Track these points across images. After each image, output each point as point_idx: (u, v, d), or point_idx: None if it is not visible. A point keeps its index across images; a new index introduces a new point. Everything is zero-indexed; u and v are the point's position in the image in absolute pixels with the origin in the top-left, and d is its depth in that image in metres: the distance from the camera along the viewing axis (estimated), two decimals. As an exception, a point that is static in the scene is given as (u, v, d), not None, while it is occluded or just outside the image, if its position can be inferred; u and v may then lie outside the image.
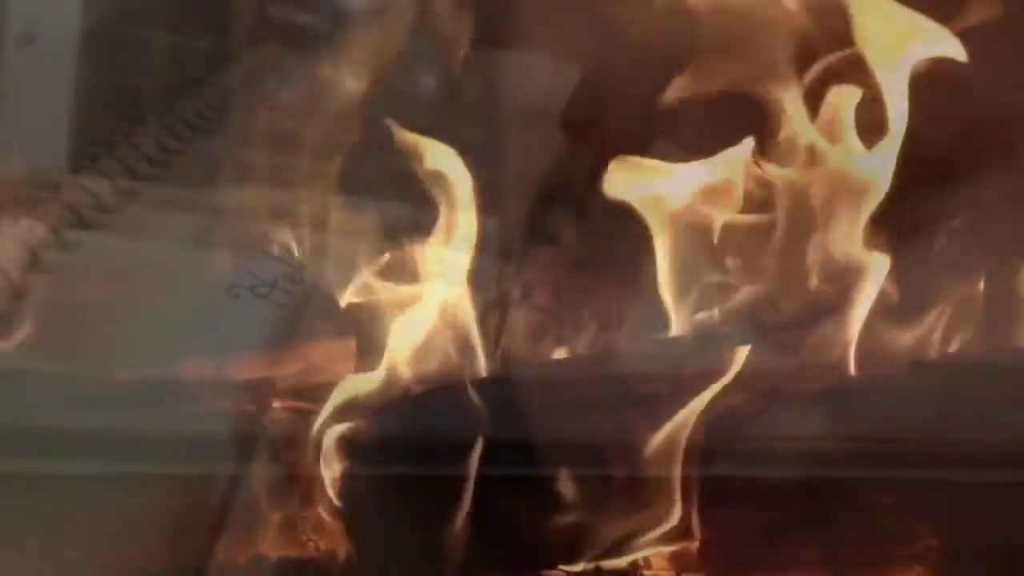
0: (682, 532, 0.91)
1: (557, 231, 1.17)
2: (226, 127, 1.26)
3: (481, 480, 0.91)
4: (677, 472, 0.90)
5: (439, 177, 1.05)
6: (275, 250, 1.09)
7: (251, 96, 1.31)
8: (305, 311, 1.08)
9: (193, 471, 0.99)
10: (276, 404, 1.01)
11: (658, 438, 0.90)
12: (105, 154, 1.18)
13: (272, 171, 1.24)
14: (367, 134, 1.19)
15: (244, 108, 1.28)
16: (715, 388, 0.90)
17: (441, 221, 1.05)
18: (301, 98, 1.24)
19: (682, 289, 1.01)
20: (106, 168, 1.17)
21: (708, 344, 0.95)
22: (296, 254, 1.10)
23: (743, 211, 1.02)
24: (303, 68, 1.31)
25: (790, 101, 1.02)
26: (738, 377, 0.91)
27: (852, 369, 0.96)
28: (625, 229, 1.05)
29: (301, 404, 1.00)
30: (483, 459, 0.91)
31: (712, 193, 1.02)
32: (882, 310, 0.98)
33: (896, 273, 1.00)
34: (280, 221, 1.13)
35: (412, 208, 1.14)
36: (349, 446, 0.94)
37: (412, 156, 1.06)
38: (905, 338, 1.02)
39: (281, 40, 1.37)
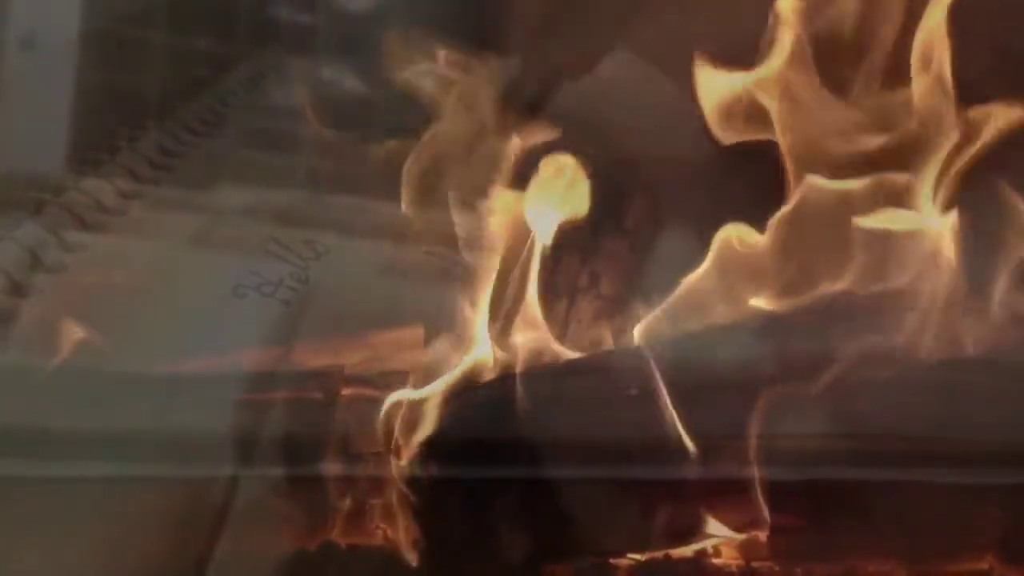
0: (751, 521, 0.91)
1: (625, 220, 1.16)
2: (228, 129, 1.26)
3: (549, 470, 0.91)
4: (749, 466, 0.90)
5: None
6: (281, 250, 1.09)
7: (253, 98, 1.31)
8: (308, 309, 1.08)
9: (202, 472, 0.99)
10: (345, 392, 1.02)
11: (730, 430, 0.90)
12: (107, 157, 1.18)
13: (275, 172, 1.24)
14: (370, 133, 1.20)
15: (246, 110, 1.28)
16: (784, 379, 0.90)
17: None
18: (301, 98, 1.24)
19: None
20: (107, 171, 1.17)
21: (777, 335, 0.95)
22: (302, 253, 1.10)
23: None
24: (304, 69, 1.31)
25: None
26: (806, 369, 0.91)
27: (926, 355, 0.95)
28: (694, 217, 1.04)
29: (370, 392, 1.00)
30: (550, 451, 0.91)
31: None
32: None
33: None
34: (285, 221, 1.13)
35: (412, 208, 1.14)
36: (419, 435, 0.94)
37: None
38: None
39: (283, 41, 1.37)
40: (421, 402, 0.94)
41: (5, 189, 1.14)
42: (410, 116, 1.15)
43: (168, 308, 1.05)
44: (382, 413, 0.94)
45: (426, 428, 0.92)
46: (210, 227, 1.12)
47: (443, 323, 1.01)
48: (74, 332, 1.01)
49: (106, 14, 1.37)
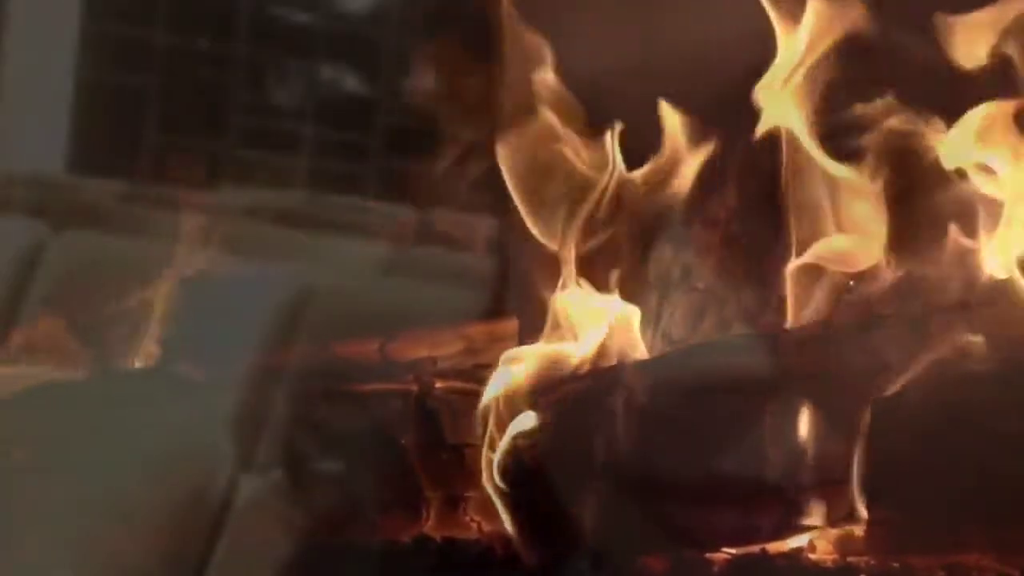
0: (846, 516, 0.90)
1: (716, 213, 1.15)
2: (225, 129, 1.26)
3: (647, 466, 0.90)
4: (850, 464, 0.89)
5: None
6: (282, 252, 1.10)
7: (253, 98, 1.31)
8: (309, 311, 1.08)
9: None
10: (439, 384, 1.01)
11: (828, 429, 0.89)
12: (107, 158, 1.19)
13: (274, 172, 1.24)
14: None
15: (245, 110, 1.29)
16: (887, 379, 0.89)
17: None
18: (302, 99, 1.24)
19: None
20: (108, 171, 1.17)
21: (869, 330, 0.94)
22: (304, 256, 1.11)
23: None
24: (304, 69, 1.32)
25: None
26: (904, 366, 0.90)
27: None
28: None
29: (464, 384, 1.00)
30: (642, 447, 0.90)
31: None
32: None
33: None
34: (282, 222, 1.13)
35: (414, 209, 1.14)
36: (513, 429, 0.94)
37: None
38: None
39: (283, 41, 1.37)
40: (515, 396, 0.93)
41: (5, 189, 1.15)
42: (410, 117, 1.15)
43: (170, 310, 1.05)
44: (479, 406, 0.94)
45: (520, 422, 0.91)
46: (211, 227, 1.12)
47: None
48: (75, 333, 1.02)
49: (106, 14, 1.37)
